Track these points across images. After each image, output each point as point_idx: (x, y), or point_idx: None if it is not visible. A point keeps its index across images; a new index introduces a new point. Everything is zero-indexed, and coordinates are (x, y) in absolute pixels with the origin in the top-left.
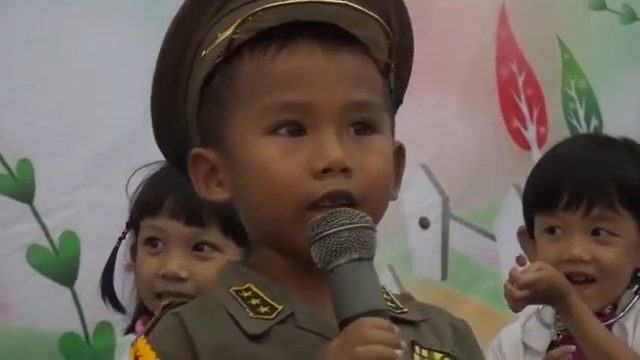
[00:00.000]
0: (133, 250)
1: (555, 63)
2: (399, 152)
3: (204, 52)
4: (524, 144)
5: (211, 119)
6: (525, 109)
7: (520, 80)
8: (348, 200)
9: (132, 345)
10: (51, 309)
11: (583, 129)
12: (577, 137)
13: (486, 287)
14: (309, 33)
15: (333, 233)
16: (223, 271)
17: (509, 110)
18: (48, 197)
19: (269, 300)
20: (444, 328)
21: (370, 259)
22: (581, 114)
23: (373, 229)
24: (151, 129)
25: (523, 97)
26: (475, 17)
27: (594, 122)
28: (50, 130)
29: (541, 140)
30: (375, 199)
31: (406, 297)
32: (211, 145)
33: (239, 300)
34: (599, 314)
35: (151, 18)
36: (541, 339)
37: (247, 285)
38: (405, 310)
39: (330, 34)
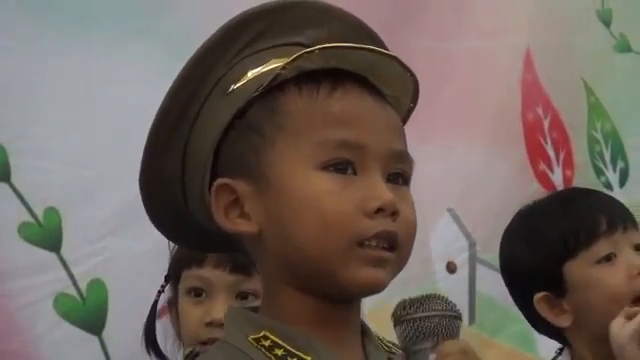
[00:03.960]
0: (171, 303)
1: (580, 106)
2: None
3: (232, 87)
4: (550, 187)
5: (242, 150)
6: (551, 152)
7: (546, 123)
8: (393, 243)
9: None
10: (79, 357)
11: (609, 171)
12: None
13: (514, 330)
14: (352, 78)
15: (425, 317)
16: (232, 317)
17: (535, 153)
18: (75, 245)
19: (294, 350)
20: None
21: None
22: (607, 156)
23: (461, 319)
24: None
25: (549, 140)
26: (500, 61)
27: (620, 164)
28: (77, 178)
29: (567, 182)
30: (408, 248)
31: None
32: (239, 176)
33: (263, 350)
34: None
35: (178, 65)
36: None
37: (263, 333)
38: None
39: (370, 82)
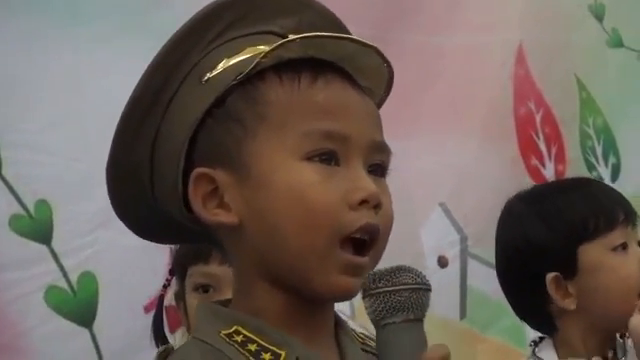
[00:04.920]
0: (179, 296)
1: (573, 101)
2: None
3: (208, 75)
4: (542, 182)
5: (221, 139)
6: (543, 147)
7: (538, 118)
8: (375, 236)
9: None
10: (69, 350)
11: (601, 166)
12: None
13: (505, 325)
14: (330, 68)
15: (395, 291)
16: (202, 312)
17: (527, 148)
18: (66, 238)
19: (268, 345)
20: None
21: (422, 320)
22: (599, 151)
23: (430, 290)
24: None
25: (541, 135)
26: (493, 57)
27: (612, 159)
28: (68, 171)
29: (559, 177)
30: (385, 240)
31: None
32: (218, 165)
33: (236, 346)
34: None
35: None
36: None
37: (235, 328)
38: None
39: (347, 72)
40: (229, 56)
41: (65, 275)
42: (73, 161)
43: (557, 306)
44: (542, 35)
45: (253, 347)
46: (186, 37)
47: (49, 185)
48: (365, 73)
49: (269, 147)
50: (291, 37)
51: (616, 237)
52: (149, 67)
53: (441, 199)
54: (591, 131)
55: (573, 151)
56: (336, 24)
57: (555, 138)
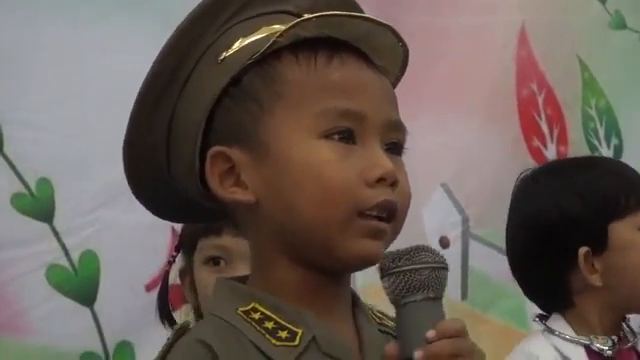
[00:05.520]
0: (184, 273)
1: (575, 82)
2: None
3: (224, 54)
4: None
5: (238, 117)
6: (545, 128)
7: (540, 99)
8: (392, 213)
9: None
10: (71, 329)
11: (603, 148)
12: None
13: (506, 306)
14: (345, 47)
15: (415, 269)
16: (220, 289)
17: (529, 129)
18: (68, 216)
19: (285, 323)
20: None
21: (441, 299)
22: (601, 133)
23: (448, 270)
24: None
25: (543, 116)
26: (495, 38)
27: (614, 141)
28: (70, 149)
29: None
30: (403, 219)
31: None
32: (235, 144)
33: (252, 323)
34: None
35: None
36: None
37: (252, 305)
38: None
39: (363, 52)
40: (245, 35)
41: (67, 254)
42: (75, 139)
43: (580, 282)
44: (545, 16)
45: (270, 325)
46: (202, 16)
47: (51, 163)
48: (380, 52)
49: (286, 125)
50: (307, 16)
51: None
52: (165, 47)
53: (443, 180)
54: (593, 112)
55: (575, 132)
56: (350, 3)
57: (557, 119)
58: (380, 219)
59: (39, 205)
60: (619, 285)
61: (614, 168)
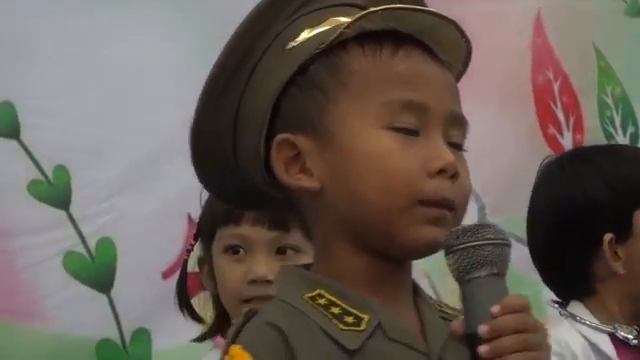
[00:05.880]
0: (203, 261)
1: (591, 70)
2: None
3: (292, 44)
4: (560, 151)
5: (304, 106)
6: (561, 116)
7: (556, 87)
8: (451, 207)
9: (224, 352)
10: (87, 316)
11: (619, 136)
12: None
13: (523, 294)
14: (410, 40)
15: (479, 245)
16: (285, 275)
17: (545, 117)
18: (84, 204)
19: (350, 309)
20: None
21: (505, 275)
22: (617, 121)
23: (511, 246)
24: (186, 133)
25: (559, 104)
26: (511, 25)
27: (630, 129)
28: (86, 136)
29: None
30: (463, 211)
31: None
32: (300, 131)
33: (319, 308)
34: None
35: (185, 23)
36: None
37: (318, 291)
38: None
39: (427, 45)
40: (312, 26)
41: (83, 241)
42: (91, 126)
43: (603, 269)
44: (560, 4)
45: (336, 310)
46: (270, 7)
47: (67, 150)
48: (443, 47)
49: (350, 114)
50: (373, 9)
51: None
52: (233, 36)
53: None
54: (609, 100)
55: (591, 120)
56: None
57: (573, 107)
58: (441, 207)
59: (56, 192)
60: None
61: (638, 155)
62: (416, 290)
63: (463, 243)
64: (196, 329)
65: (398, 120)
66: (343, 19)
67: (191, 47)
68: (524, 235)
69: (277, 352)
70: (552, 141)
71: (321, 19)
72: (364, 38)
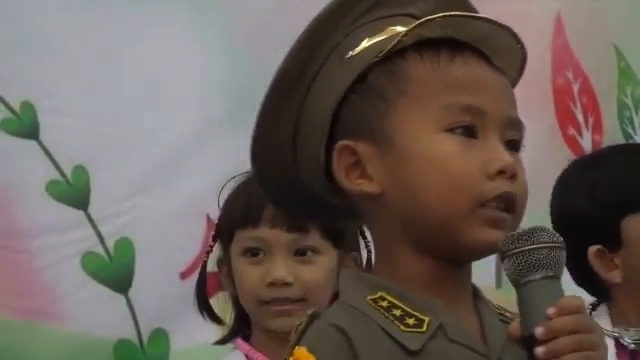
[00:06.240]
0: (222, 262)
1: (611, 71)
2: None
3: (350, 53)
4: (579, 152)
5: (363, 112)
6: (581, 117)
7: (576, 88)
8: (512, 205)
9: (289, 354)
10: (106, 316)
11: (638, 136)
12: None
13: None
14: (467, 47)
15: (535, 249)
16: (347, 278)
17: (564, 118)
18: (103, 204)
19: (412, 311)
20: None
21: (560, 278)
22: (636, 122)
23: (565, 249)
24: (205, 134)
25: (579, 105)
26: (530, 25)
27: None
28: (105, 137)
29: (596, 147)
30: (522, 212)
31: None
32: (360, 138)
33: (381, 311)
34: None
35: (208, 25)
36: None
37: (379, 294)
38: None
39: (483, 52)
40: (370, 36)
41: (102, 241)
42: (110, 127)
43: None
44: (581, 4)
45: (398, 312)
46: (331, 16)
47: (86, 151)
48: (499, 54)
49: (410, 120)
50: (431, 17)
51: None
52: (295, 45)
53: None
54: (629, 101)
55: (610, 121)
56: (469, 6)
57: (593, 108)
58: (500, 209)
59: (74, 192)
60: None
61: (632, 160)
62: (476, 292)
63: (519, 247)
64: (214, 329)
65: (457, 123)
66: (400, 28)
67: (212, 48)
68: None
69: (342, 353)
70: (571, 142)
71: (379, 28)
72: (422, 46)
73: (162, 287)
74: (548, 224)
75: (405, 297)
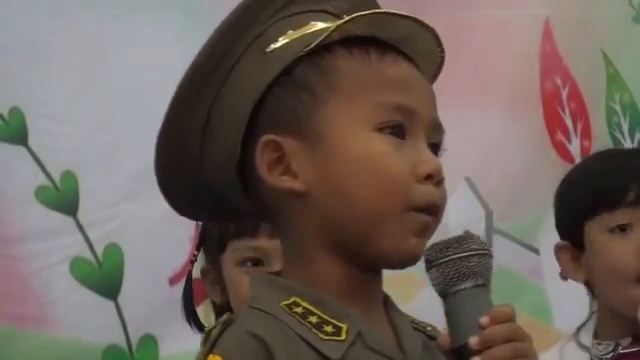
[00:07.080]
0: (205, 272)
1: (599, 77)
2: None
3: (272, 46)
4: (568, 157)
5: (289, 106)
6: (569, 122)
7: (564, 93)
8: (437, 213)
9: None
10: (94, 322)
11: (627, 142)
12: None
13: (530, 301)
14: (392, 47)
15: (465, 257)
16: (258, 283)
17: (553, 123)
18: (92, 209)
19: (328, 318)
20: None
21: (489, 286)
22: (625, 127)
23: (492, 256)
24: None
25: (567, 110)
26: (519, 31)
27: (638, 135)
28: (94, 142)
29: (585, 153)
30: (439, 221)
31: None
32: (286, 133)
33: (297, 317)
34: None
35: (198, 30)
36: None
37: (293, 299)
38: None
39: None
40: (294, 29)
41: (91, 247)
42: (99, 132)
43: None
44: (569, 10)
45: (314, 319)
46: (250, 8)
47: (75, 156)
48: (419, 56)
49: (341, 116)
50: (361, 13)
51: (618, 217)
52: (212, 36)
53: (466, 174)
54: (617, 107)
55: (599, 127)
56: (377, 7)
57: (581, 114)
58: (427, 214)
59: (63, 198)
60: (596, 285)
61: (598, 167)
62: (386, 300)
63: (448, 255)
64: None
65: (388, 122)
66: (321, 24)
67: None
68: (531, 242)
69: None
70: (560, 147)
71: (303, 22)
72: (348, 42)
73: (151, 293)
74: (539, 228)
75: (321, 303)
